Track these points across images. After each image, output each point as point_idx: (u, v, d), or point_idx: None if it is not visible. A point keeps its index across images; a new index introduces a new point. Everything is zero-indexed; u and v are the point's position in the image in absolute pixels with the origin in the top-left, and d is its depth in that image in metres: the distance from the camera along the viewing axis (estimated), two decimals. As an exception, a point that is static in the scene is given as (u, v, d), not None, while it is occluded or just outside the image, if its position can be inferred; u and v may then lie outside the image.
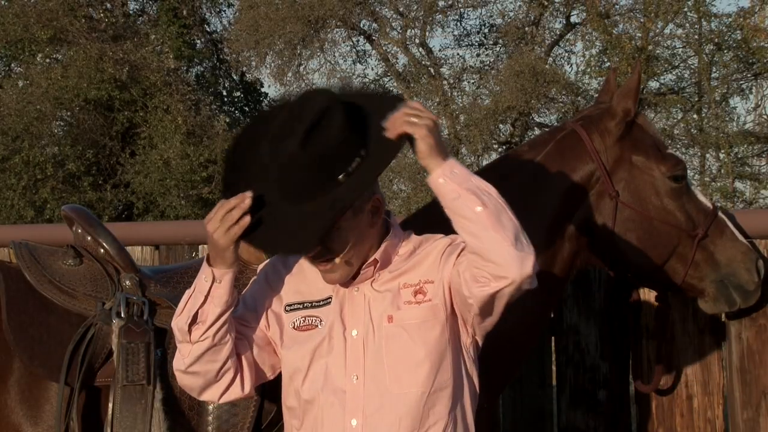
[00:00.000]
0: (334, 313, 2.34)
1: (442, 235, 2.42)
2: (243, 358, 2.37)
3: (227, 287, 2.28)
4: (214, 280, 2.27)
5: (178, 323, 2.32)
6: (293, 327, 2.37)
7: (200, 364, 2.32)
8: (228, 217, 2.22)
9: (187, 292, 2.33)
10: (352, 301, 2.34)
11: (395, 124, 2.19)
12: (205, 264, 2.30)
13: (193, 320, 2.29)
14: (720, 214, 3.00)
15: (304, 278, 2.41)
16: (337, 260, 2.29)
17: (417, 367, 2.27)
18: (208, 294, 2.28)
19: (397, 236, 2.40)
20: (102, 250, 2.86)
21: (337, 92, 2.31)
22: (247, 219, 2.22)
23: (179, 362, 2.36)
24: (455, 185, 2.17)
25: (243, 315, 2.40)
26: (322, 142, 2.20)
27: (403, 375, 2.27)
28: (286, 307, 2.39)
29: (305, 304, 2.38)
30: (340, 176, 2.22)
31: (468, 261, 2.20)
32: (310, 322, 2.35)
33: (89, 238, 2.88)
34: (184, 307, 2.32)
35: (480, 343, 2.39)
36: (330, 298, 2.36)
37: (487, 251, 2.14)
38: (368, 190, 2.28)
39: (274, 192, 2.26)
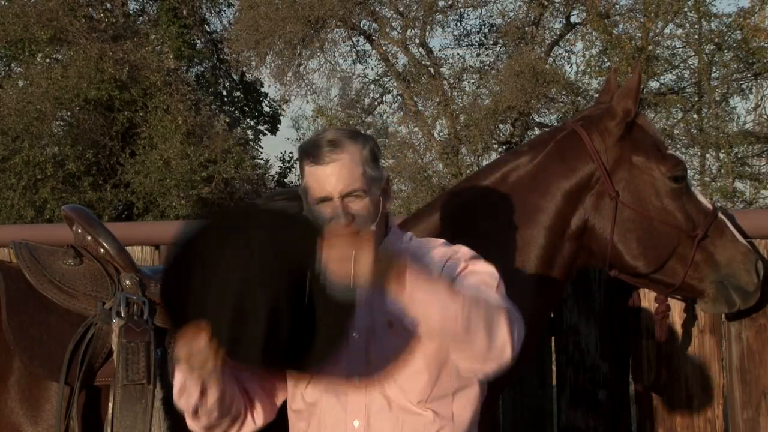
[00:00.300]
0: None
1: (443, 241, 2.42)
2: (252, 391, 2.37)
3: (217, 383, 2.23)
4: (203, 389, 2.23)
5: (182, 406, 2.30)
6: None
7: (214, 425, 2.32)
8: (193, 362, 2.14)
9: (179, 373, 2.27)
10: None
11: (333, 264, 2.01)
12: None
13: (195, 412, 2.27)
14: (720, 215, 3.00)
15: None
16: (360, 221, 2.28)
17: (417, 375, 2.28)
18: (201, 392, 2.24)
19: (396, 236, 2.40)
20: (102, 250, 2.86)
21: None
22: (211, 363, 2.12)
23: (192, 426, 2.34)
24: (419, 299, 2.06)
25: None
26: (280, 339, 2.11)
27: (404, 382, 2.28)
28: None
29: None
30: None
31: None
32: None
33: (89, 237, 2.88)
34: (180, 395, 2.28)
35: None
36: None
37: (463, 350, 2.15)
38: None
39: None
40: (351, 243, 2.00)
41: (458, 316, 2.08)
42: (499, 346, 2.13)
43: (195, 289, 2.13)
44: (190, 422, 2.33)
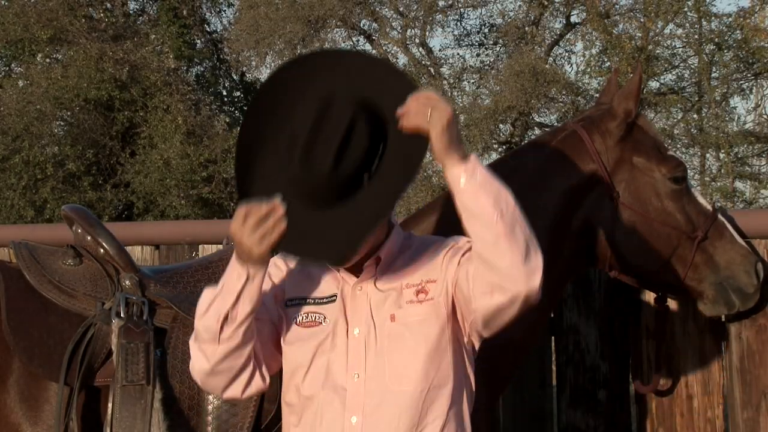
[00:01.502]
0: (338, 310, 2.34)
1: (443, 237, 2.42)
2: (259, 350, 2.36)
3: (259, 284, 2.24)
4: (248, 279, 2.23)
5: (206, 323, 2.27)
6: (296, 323, 2.37)
7: (227, 361, 2.29)
8: (262, 226, 2.17)
9: (211, 291, 2.28)
10: (354, 299, 2.34)
11: (409, 120, 2.15)
12: (235, 262, 2.24)
13: (225, 320, 2.25)
14: (720, 216, 3.00)
15: (308, 274, 2.41)
16: None
17: (417, 365, 2.28)
18: (240, 292, 2.23)
19: (398, 235, 2.41)
20: (102, 250, 2.86)
21: (351, 84, 2.26)
22: (283, 226, 2.17)
23: (202, 364, 2.31)
24: (476, 188, 2.14)
25: None
26: (352, 159, 2.19)
27: (403, 372, 2.28)
28: (287, 302, 2.39)
29: (308, 300, 2.38)
30: (365, 178, 2.21)
31: (475, 267, 2.18)
32: (313, 318, 2.35)
33: (89, 238, 2.88)
34: (210, 306, 2.27)
35: (477, 345, 2.39)
36: (335, 296, 2.36)
37: (496, 261, 2.12)
38: (401, 195, 2.25)
39: (297, 200, 2.22)
40: (430, 103, 2.11)
41: (506, 213, 2.12)
42: (532, 267, 2.13)
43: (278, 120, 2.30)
44: (206, 348, 2.27)
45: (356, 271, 2.36)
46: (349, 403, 2.28)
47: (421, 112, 2.13)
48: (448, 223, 2.95)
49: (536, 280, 2.14)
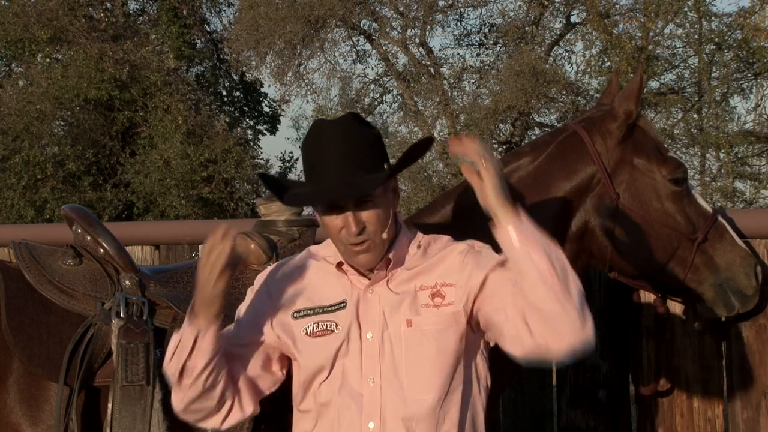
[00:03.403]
0: (351, 315, 2.33)
1: (449, 237, 2.42)
2: (240, 380, 2.37)
3: (212, 338, 2.28)
4: (198, 334, 2.27)
5: (169, 369, 2.33)
6: (306, 333, 2.35)
7: (196, 404, 2.34)
8: (209, 261, 2.24)
9: (175, 336, 2.34)
10: (366, 303, 2.33)
11: (467, 149, 2.20)
12: (189, 316, 2.30)
13: (182, 371, 2.30)
14: (720, 218, 3.00)
15: (311, 284, 2.40)
16: (370, 231, 2.27)
17: (435, 374, 2.27)
18: (193, 346, 2.27)
19: (406, 234, 2.41)
20: (102, 250, 2.85)
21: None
22: (226, 252, 2.23)
23: (176, 402, 2.37)
24: (524, 237, 2.17)
25: (238, 335, 2.40)
26: (365, 136, 2.32)
27: (421, 381, 2.27)
28: (294, 314, 2.38)
29: (316, 310, 2.36)
30: (385, 165, 2.32)
31: (526, 310, 2.17)
32: (325, 327, 2.34)
33: (89, 237, 2.88)
34: (172, 355, 2.32)
35: (492, 344, 2.39)
36: (344, 302, 2.35)
37: (552, 317, 2.14)
38: (407, 166, 2.37)
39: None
40: (483, 150, 2.18)
41: (557, 267, 2.14)
42: (587, 315, 2.17)
43: None
44: (175, 392, 2.34)
45: (367, 274, 2.35)
46: (366, 409, 2.28)
47: (476, 153, 2.18)
48: (449, 223, 2.96)
49: (589, 330, 2.17)
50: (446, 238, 2.43)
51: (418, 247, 2.39)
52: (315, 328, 2.34)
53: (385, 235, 2.30)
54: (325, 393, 2.32)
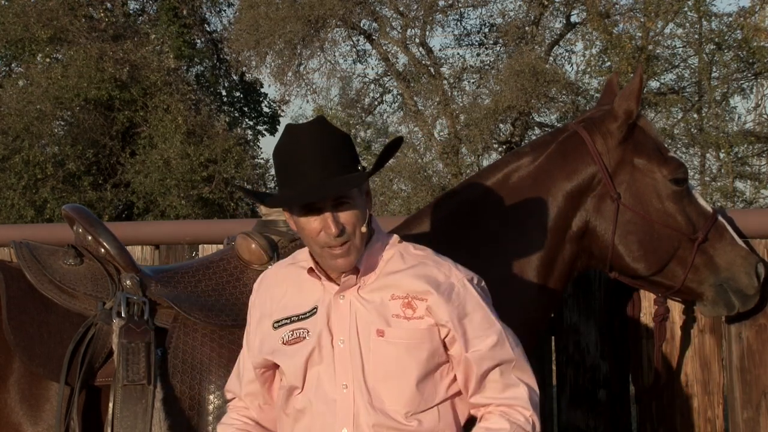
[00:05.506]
0: (321, 322, 2.33)
1: (429, 250, 2.41)
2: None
3: None
4: None
5: None
6: (283, 342, 2.36)
7: None
8: None
9: None
10: (337, 309, 2.33)
11: None
12: None
13: None
14: (720, 218, 3.00)
15: (287, 293, 2.41)
16: (349, 232, 2.26)
17: (405, 386, 2.28)
18: None
19: (380, 240, 2.39)
20: (102, 250, 2.86)
21: None
22: None
23: None
24: None
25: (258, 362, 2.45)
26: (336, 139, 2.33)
27: (391, 392, 2.28)
28: (274, 324, 2.39)
29: (292, 318, 2.37)
30: (359, 167, 2.32)
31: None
32: (298, 335, 2.35)
33: (90, 237, 2.88)
34: None
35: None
36: (315, 308, 2.35)
37: None
38: (383, 167, 2.40)
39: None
40: None
41: None
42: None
43: None
44: None
45: (336, 279, 2.34)
46: (339, 415, 2.28)
47: None
48: (449, 223, 2.96)
49: None
50: (429, 250, 2.41)
51: (394, 254, 2.37)
52: (290, 336, 2.36)
53: (359, 240, 2.29)
54: (300, 400, 2.34)
